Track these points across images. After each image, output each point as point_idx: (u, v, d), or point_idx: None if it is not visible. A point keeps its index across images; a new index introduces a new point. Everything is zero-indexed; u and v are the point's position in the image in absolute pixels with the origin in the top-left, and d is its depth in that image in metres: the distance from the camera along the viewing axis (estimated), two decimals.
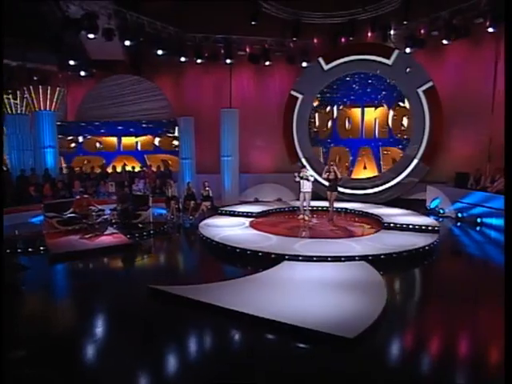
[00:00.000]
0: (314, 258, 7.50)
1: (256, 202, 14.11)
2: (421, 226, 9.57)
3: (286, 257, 7.61)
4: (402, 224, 9.72)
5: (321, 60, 14.66)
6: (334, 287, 6.27)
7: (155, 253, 9.51)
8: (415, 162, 13.78)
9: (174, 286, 6.32)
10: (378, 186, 14.33)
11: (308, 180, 10.91)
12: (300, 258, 7.56)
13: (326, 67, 14.65)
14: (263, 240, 8.73)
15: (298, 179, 10.91)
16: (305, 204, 11.07)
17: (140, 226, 10.97)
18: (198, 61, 14.06)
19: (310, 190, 10.98)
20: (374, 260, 7.51)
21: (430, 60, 13.82)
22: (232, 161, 14.06)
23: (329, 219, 10.85)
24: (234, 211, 11.74)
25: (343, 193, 13.88)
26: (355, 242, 8.60)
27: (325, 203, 12.36)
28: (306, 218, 10.99)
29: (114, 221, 11.15)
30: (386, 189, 14.20)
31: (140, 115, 16.19)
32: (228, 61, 14.08)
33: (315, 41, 14.61)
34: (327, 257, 7.50)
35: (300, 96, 15.04)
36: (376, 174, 14.59)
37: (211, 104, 15.60)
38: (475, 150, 13.41)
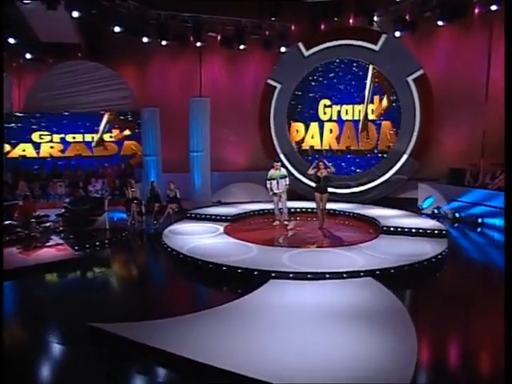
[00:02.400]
0: (309, 276, 5.81)
1: (220, 204, 12.30)
2: (426, 230, 8.06)
3: (273, 274, 5.89)
4: (404, 228, 8.18)
5: (301, 45, 13.00)
6: (338, 318, 4.61)
7: (107, 270, 7.45)
8: (405, 157, 12.34)
9: (116, 324, 4.48)
10: (363, 184, 12.81)
11: (285, 177, 9.27)
12: (291, 275, 5.86)
13: (306, 53, 13.01)
14: (242, 251, 6.99)
15: (270, 187, 9.27)
16: (280, 206, 9.36)
17: (93, 234, 9.02)
18: (163, 42, 12.11)
19: (284, 189, 9.26)
20: (381, 275, 5.91)
21: (419, 47, 12.43)
22: (202, 157, 12.20)
23: (319, 226, 9.07)
24: (206, 214, 9.92)
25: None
26: (353, 251, 6.96)
27: (309, 204, 10.73)
28: (286, 222, 9.24)
29: (61, 228, 9.12)
30: (374, 187, 12.71)
31: (97, 106, 14.07)
32: (198, 44, 12.23)
33: (293, 27, 13.01)
34: (325, 273, 5.83)
35: (278, 85, 13.34)
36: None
37: (179, 94, 13.67)
38: (468, 144, 12.12)
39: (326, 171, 8.89)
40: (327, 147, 13.38)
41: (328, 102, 13.19)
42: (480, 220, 10.07)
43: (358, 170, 13.10)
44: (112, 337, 4.28)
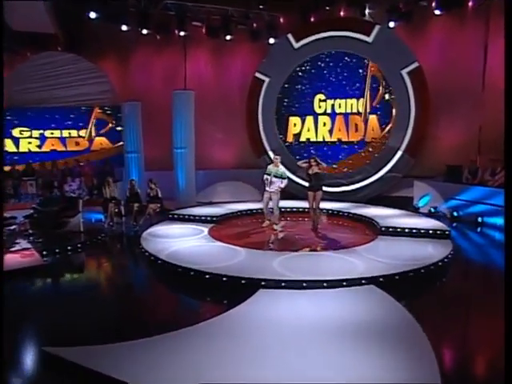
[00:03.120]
0: (304, 284, 5.07)
1: (211, 204, 11.51)
2: (428, 230, 7.38)
3: (263, 283, 5.13)
4: (404, 228, 7.49)
5: (290, 37, 12.29)
6: (342, 334, 3.87)
7: (75, 279, 6.54)
8: (399, 154, 11.71)
9: (75, 348, 3.68)
10: (356, 182, 12.15)
11: (282, 178, 8.33)
12: (283, 283, 5.11)
13: (296, 45, 12.30)
14: (228, 256, 6.21)
15: (267, 178, 8.34)
16: (270, 205, 8.46)
17: (67, 237, 8.15)
18: (144, 31, 11.26)
19: (278, 190, 8.31)
20: (385, 282, 5.20)
21: (412, 39, 11.80)
22: (187, 154, 11.37)
23: (313, 228, 8.29)
24: (189, 215, 9.12)
25: None
26: (351, 255, 6.23)
27: (301, 203, 10.03)
28: (276, 226, 8.38)
29: (29, 232, 8.22)
30: (367, 185, 12.05)
31: (76, 101, 13.15)
32: (181, 33, 11.40)
33: (282, 18, 12.28)
34: (323, 281, 5.09)
35: (266, 79, 12.60)
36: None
37: (163, 88, 12.85)
38: (465, 139, 11.53)
39: (318, 168, 8.16)
40: (321, 139, 12.69)
41: (323, 97, 12.48)
42: (480, 219, 9.47)
43: (342, 155, 12.50)
44: (71, 365, 3.48)
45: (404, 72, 11.45)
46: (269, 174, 8.22)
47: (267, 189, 8.30)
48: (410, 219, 8.42)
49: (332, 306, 4.58)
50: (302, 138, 12.78)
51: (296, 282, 5.09)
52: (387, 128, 12.00)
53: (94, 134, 13.45)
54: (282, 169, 8.41)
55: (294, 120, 12.80)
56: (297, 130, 12.81)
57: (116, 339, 3.88)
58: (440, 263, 5.95)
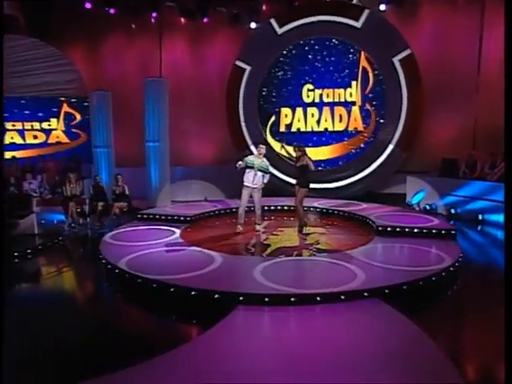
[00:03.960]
0: (293, 299, 4.01)
1: (206, 201, 10.41)
2: (431, 229, 6.42)
3: (241, 298, 4.06)
4: (404, 228, 6.50)
5: (273, 22, 11.24)
6: (347, 367, 2.82)
7: (18, 292, 5.27)
8: (391, 147, 10.78)
9: None
10: (344, 178, 11.18)
11: (266, 172, 7.17)
12: (266, 298, 4.04)
13: (279, 31, 11.25)
14: (200, 263, 5.10)
15: (238, 165, 7.00)
16: (257, 207, 7.25)
17: (19, 240, 6.93)
18: (111, 11, 10.07)
19: (259, 186, 7.13)
20: (391, 293, 4.19)
21: (404, 25, 10.89)
22: (160, 147, 10.19)
23: (298, 228, 7.18)
24: (161, 215, 7.97)
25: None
26: (346, 259, 5.19)
27: (287, 201, 9.00)
28: (258, 227, 7.26)
29: None
30: (356, 181, 11.09)
31: (38, 90, 11.83)
32: (153, 14, 10.24)
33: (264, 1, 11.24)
34: (315, 295, 4.04)
35: (247, 67, 11.52)
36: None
37: (136, 78, 11.61)
38: (460, 132, 10.70)
39: (306, 160, 7.06)
40: (310, 129, 11.62)
41: (311, 87, 11.44)
42: (480, 216, 8.59)
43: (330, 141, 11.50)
44: None
45: (395, 59, 10.52)
46: (252, 167, 7.09)
47: (248, 184, 7.15)
48: (406, 217, 7.45)
49: (329, 328, 3.55)
50: (293, 129, 11.71)
51: (282, 297, 4.02)
52: (371, 120, 11.07)
53: (63, 127, 12.17)
54: (266, 161, 7.24)
55: (286, 111, 11.73)
56: (289, 120, 11.73)
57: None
58: (452, 269, 4.97)
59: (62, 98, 11.97)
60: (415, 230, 6.40)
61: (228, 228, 7.42)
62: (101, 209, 8.12)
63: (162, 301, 4.44)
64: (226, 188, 11.48)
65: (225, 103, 11.76)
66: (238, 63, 11.54)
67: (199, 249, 5.77)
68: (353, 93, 11.17)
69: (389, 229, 6.49)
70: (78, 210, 8.37)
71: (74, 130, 12.08)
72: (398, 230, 6.44)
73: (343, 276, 4.54)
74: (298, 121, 11.65)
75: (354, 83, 11.13)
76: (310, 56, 11.34)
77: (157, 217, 7.87)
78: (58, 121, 11.93)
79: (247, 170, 7.08)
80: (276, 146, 11.60)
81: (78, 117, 12.00)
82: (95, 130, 10.99)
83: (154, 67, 11.89)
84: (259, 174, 7.04)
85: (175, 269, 4.85)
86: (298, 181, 7.16)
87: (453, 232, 6.36)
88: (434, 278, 4.61)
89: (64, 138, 11.95)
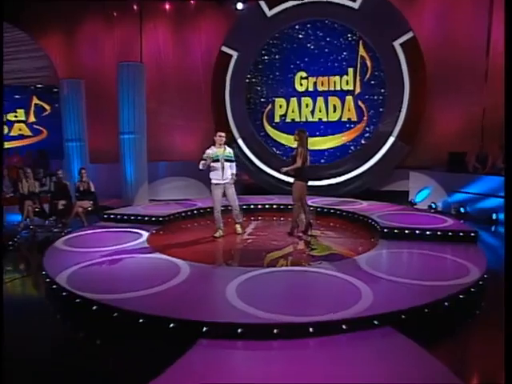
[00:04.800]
0: (277, 331, 2.87)
1: (166, 201, 9.26)
2: (446, 231, 5.31)
3: (205, 328, 2.92)
4: (414, 229, 5.38)
5: (262, 3, 10.12)
6: None
7: None
8: (391, 140, 9.69)
9: None
10: (340, 174, 10.07)
11: (231, 161, 6.09)
12: (240, 330, 2.90)
13: (269, 13, 10.13)
14: (161, 276, 3.94)
15: (203, 164, 5.90)
16: (231, 202, 6.13)
17: None
18: None
19: (230, 180, 6.05)
20: (407, 319, 3.08)
21: (406, 5, 9.79)
22: (136, 140, 9.04)
23: (291, 230, 6.09)
24: (130, 216, 6.79)
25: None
26: (348, 270, 4.04)
27: (275, 199, 7.90)
28: (239, 228, 6.17)
29: None
30: (353, 178, 9.99)
31: (4, 78, 10.61)
32: None
33: None
34: (307, 325, 2.91)
35: (234, 53, 10.39)
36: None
37: (115, 67, 10.49)
38: (467, 123, 9.60)
39: (298, 151, 5.95)
40: (304, 120, 10.44)
41: (304, 74, 10.31)
42: (494, 216, 7.52)
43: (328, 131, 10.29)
44: None
45: (396, 43, 9.43)
46: (217, 160, 5.97)
47: (218, 181, 5.98)
48: (416, 217, 6.35)
49: (326, 371, 2.43)
50: (288, 119, 10.55)
51: (262, 328, 2.89)
52: (370, 110, 9.97)
53: (33, 118, 11.00)
54: (229, 149, 6.16)
55: (280, 102, 10.56)
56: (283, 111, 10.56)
57: None
58: (481, 282, 3.86)
59: (33, 87, 10.79)
60: (427, 233, 5.29)
61: (205, 231, 6.27)
62: (62, 208, 6.95)
63: (105, 329, 3.30)
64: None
65: (210, 94, 10.63)
66: (225, 49, 10.41)
67: (165, 257, 4.62)
68: (349, 81, 10.06)
69: (396, 231, 5.37)
70: (37, 209, 7.21)
71: (39, 123, 10.90)
72: (406, 232, 5.32)
73: (345, 295, 3.42)
74: (292, 111, 10.52)
75: (350, 70, 10.02)
76: (302, 41, 10.20)
77: (125, 217, 6.70)
78: (27, 112, 10.74)
79: (212, 166, 5.95)
80: (275, 135, 10.49)
81: (48, 108, 10.81)
82: (66, 121, 9.85)
83: (134, 55, 10.70)
84: (226, 165, 5.95)
85: (128, 284, 3.72)
86: (293, 174, 6.05)
87: (472, 234, 5.26)
88: (461, 296, 3.50)
89: (27, 131, 10.75)
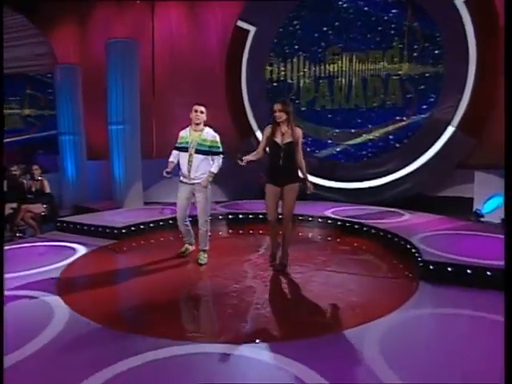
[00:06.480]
0: None
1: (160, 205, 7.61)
2: None
3: None
4: (476, 266, 3.17)
5: None
6: None
7: None
8: (451, 130, 7.31)
9: None
10: (382, 174, 7.86)
11: (213, 152, 4.10)
12: None
13: None
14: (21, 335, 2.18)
15: (173, 160, 4.23)
16: (198, 214, 4.16)
17: None
18: None
19: (208, 179, 4.07)
20: None
21: None
22: (126, 132, 7.45)
23: (279, 263, 3.93)
24: (84, 225, 5.13)
25: (320, 186, 7.56)
26: (364, 347, 2.06)
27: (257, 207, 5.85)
28: (202, 258, 4.09)
29: None
30: (400, 179, 7.73)
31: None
32: None
33: None
34: None
35: (252, 28, 8.54)
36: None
37: None
38: None
39: (292, 134, 3.85)
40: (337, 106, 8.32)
41: (337, 50, 8.19)
42: None
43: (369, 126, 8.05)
44: None
45: (459, 1, 7.06)
46: (185, 148, 4.13)
47: (184, 179, 4.14)
48: (485, 241, 4.07)
49: None
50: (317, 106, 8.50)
51: None
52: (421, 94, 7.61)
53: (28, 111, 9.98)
54: (210, 133, 4.19)
55: (307, 85, 8.49)
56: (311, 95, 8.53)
57: None
58: None
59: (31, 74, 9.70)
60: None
61: (164, 250, 4.44)
62: (11, 212, 5.51)
63: None
64: (229, 186, 8.64)
65: (224, 77, 8.88)
66: (240, 24, 8.59)
67: (72, 313, 2.83)
68: (395, 56, 7.80)
69: (449, 269, 3.18)
70: None
71: (33, 115, 9.77)
72: (468, 271, 3.13)
73: None
74: (323, 97, 8.45)
75: (396, 42, 7.76)
76: (334, 7, 8.09)
77: (77, 227, 5.07)
78: (22, 103, 9.67)
79: (181, 156, 4.15)
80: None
81: (43, 98, 9.66)
82: (59, 112, 8.58)
83: (146, 44, 9.25)
84: (198, 158, 4.03)
85: None
86: (282, 172, 3.94)
87: None
88: None
89: (20, 124, 9.65)
